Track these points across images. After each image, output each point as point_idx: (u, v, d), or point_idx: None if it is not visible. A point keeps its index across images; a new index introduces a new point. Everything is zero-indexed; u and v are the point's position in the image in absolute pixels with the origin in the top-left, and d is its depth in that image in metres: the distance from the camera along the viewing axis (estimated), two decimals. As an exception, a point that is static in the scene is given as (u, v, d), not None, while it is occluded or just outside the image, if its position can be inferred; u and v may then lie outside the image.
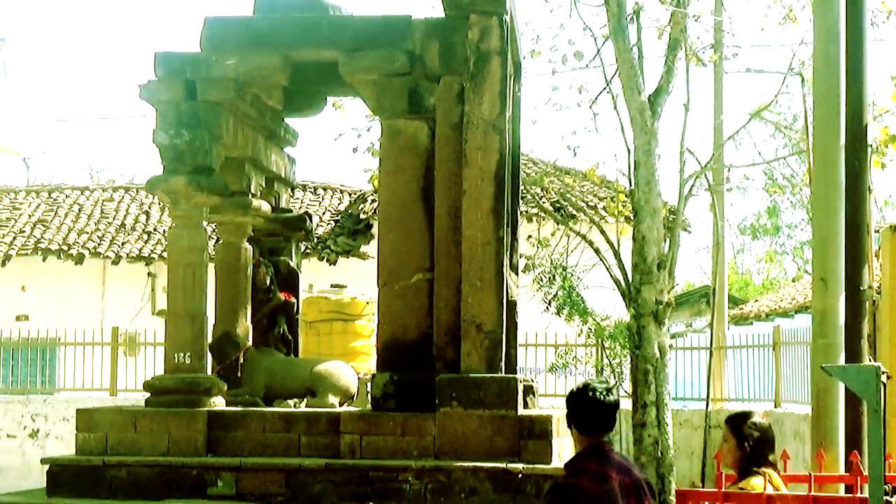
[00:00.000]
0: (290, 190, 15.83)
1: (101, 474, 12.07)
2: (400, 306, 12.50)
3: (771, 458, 8.33)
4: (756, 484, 8.17)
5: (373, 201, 26.94)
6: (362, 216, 27.77)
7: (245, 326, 14.32)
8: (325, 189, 30.87)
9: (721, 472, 8.22)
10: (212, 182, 12.90)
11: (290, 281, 14.98)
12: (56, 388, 25.93)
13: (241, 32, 12.91)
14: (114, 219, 29.84)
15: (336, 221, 28.25)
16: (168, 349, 13.07)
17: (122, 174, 58.78)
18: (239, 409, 12.83)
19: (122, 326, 25.39)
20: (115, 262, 28.00)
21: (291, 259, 15.16)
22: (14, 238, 28.85)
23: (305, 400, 13.26)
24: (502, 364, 12.27)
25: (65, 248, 28.23)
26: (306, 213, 16.22)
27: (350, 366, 14.43)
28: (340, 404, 13.32)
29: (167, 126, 12.75)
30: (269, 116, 14.36)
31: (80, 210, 30.44)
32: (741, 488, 8.23)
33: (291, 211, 15.69)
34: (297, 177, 16.03)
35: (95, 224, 29.55)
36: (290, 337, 14.78)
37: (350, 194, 30.03)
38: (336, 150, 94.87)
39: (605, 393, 6.90)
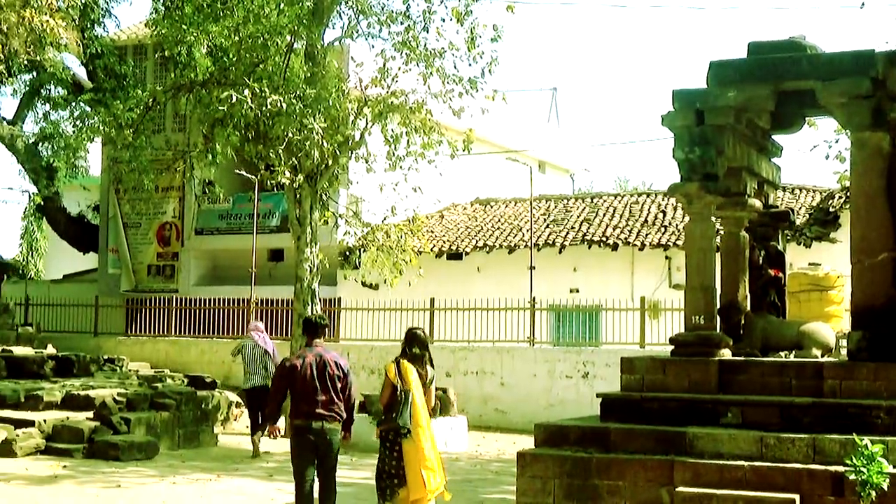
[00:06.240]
0: (775, 191, 15.35)
1: (639, 406, 12.14)
2: (869, 279, 11.86)
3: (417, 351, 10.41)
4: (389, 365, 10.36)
5: (839, 197, 25.79)
6: (831, 209, 26.60)
7: (744, 295, 14.02)
8: (801, 189, 29.78)
9: None
10: (717, 186, 12.72)
11: (777, 260, 14.54)
12: (600, 342, 26.46)
13: (737, 71, 12.64)
14: (639, 217, 30.04)
15: (810, 214, 27.17)
16: (686, 313, 12.99)
17: (643, 182, 59.05)
18: (741, 358, 12.57)
19: (647, 296, 25.56)
20: (641, 249, 28.17)
21: (778, 244, 14.70)
22: (567, 232, 29.62)
23: (793, 352, 12.85)
24: (960, 324, 11.43)
25: (604, 239, 28.69)
26: (789, 208, 15.72)
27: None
28: (822, 356, 12.81)
29: (683, 145, 12.66)
30: (759, 134, 13.98)
31: (614, 211, 30.84)
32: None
33: (777, 207, 15.19)
34: (781, 180, 15.55)
35: (626, 221, 29.85)
36: (778, 303, 14.32)
37: (820, 192, 28.80)
38: (809, 158, 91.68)
39: (317, 318, 10.79)
